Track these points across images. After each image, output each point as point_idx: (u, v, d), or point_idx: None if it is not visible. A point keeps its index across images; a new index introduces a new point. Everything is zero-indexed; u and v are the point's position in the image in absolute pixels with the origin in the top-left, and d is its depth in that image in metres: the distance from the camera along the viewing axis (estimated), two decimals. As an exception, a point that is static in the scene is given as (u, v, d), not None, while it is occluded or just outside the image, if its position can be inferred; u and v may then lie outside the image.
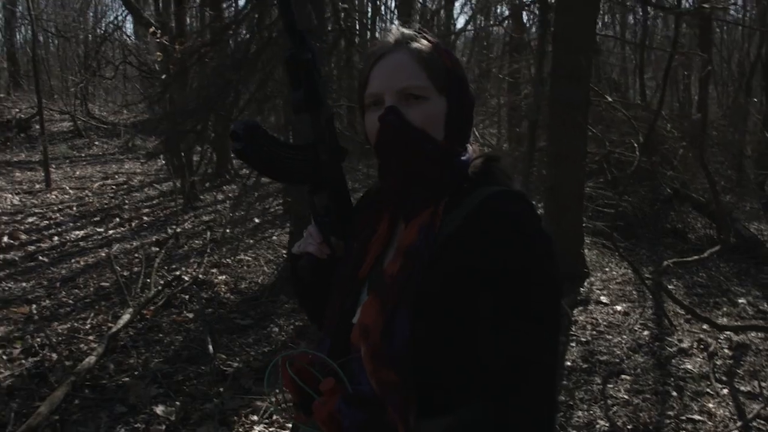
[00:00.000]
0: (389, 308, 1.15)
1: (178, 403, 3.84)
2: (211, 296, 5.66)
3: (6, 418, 3.63)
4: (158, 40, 7.50)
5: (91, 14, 25.41)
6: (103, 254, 6.86)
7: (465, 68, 1.40)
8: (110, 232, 7.86)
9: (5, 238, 7.32)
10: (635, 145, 7.17)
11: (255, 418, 3.74)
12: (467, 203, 1.19)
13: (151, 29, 8.13)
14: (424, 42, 1.26)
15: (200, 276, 6.07)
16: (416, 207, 1.24)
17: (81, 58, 18.99)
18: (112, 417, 3.71)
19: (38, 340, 4.65)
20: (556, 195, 6.46)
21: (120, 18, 24.55)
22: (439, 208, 1.21)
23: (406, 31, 1.29)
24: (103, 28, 22.59)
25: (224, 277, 6.20)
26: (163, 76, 8.13)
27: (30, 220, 8.31)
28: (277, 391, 1.27)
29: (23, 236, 7.49)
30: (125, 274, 6.15)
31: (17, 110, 17.88)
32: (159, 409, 3.76)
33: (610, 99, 7.04)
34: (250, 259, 6.82)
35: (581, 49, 6.08)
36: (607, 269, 6.89)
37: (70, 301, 5.54)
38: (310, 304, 1.50)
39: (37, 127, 16.65)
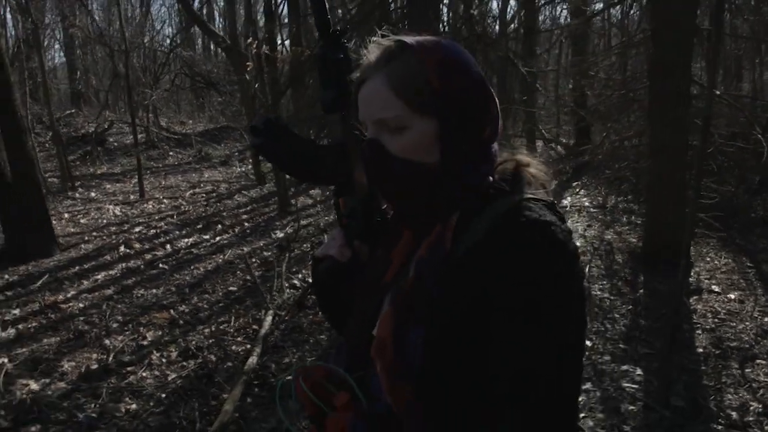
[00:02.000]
0: (402, 323, 1.12)
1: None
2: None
3: (191, 416, 3.89)
4: (255, 51, 7.76)
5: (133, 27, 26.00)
6: (219, 260, 7.16)
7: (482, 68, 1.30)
8: (217, 238, 8.18)
9: (122, 248, 7.67)
10: (760, 136, 7.15)
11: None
12: (486, 215, 1.13)
13: (249, 40, 8.39)
14: (405, 58, 1.17)
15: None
16: (423, 226, 1.20)
17: (148, 72, 19.42)
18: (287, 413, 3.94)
19: (193, 343, 4.93)
20: (657, 187, 6.58)
21: (177, 32, 24.94)
22: (448, 224, 1.16)
23: (385, 45, 1.20)
24: (169, 42, 23.08)
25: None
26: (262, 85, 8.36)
27: (137, 229, 8.67)
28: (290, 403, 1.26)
29: (137, 245, 7.82)
30: (247, 278, 6.43)
31: (88, 124, 18.49)
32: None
33: (717, 92, 7.08)
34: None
35: (680, 43, 6.17)
36: (708, 259, 6.95)
37: (205, 306, 5.82)
38: (330, 309, 1.44)
39: (110, 140, 17.26)
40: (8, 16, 20.60)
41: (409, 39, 1.19)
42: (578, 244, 7.26)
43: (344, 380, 1.18)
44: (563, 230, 1.09)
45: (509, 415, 1.05)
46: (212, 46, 27.61)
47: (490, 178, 1.21)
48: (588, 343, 4.90)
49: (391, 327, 1.12)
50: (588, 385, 4.25)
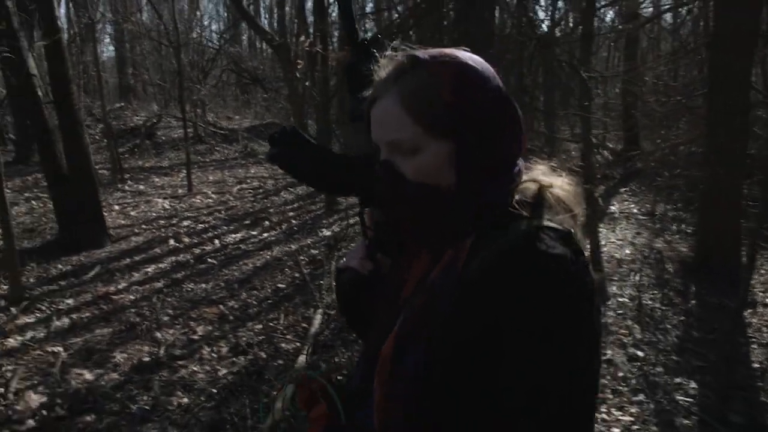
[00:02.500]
0: (403, 342, 1.08)
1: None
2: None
3: (242, 413, 3.92)
4: (308, 49, 7.80)
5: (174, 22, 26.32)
6: (267, 257, 7.22)
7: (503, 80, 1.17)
8: (264, 235, 8.24)
9: (171, 241, 7.77)
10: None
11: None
12: (502, 240, 1.05)
13: (302, 38, 8.44)
14: (417, 73, 1.10)
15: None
16: (436, 249, 1.15)
17: (196, 67, 19.64)
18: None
19: (243, 339, 4.96)
20: (712, 196, 6.46)
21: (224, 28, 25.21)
22: (462, 247, 1.10)
23: (397, 60, 1.14)
24: (218, 38, 23.34)
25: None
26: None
27: (185, 223, 8.77)
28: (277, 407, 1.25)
29: (186, 239, 7.92)
30: (296, 275, 6.46)
31: (137, 117, 18.79)
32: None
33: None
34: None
35: (740, 52, 6.05)
36: (762, 271, 6.80)
37: (254, 302, 5.87)
38: (352, 318, 1.42)
39: (158, 133, 17.52)
40: (62, 11, 21.05)
41: (422, 53, 1.12)
42: (627, 252, 7.22)
43: (338, 391, 1.18)
44: (576, 263, 1.02)
45: None
46: (258, 43, 27.91)
47: (511, 199, 1.11)
48: (639, 353, 4.84)
49: (394, 346, 1.09)
50: (641, 397, 4.19)
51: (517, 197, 1.10)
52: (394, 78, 1.11)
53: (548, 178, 1.16)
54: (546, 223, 1.06)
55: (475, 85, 1.09)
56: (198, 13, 24.87)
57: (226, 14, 26.73)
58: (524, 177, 1.16)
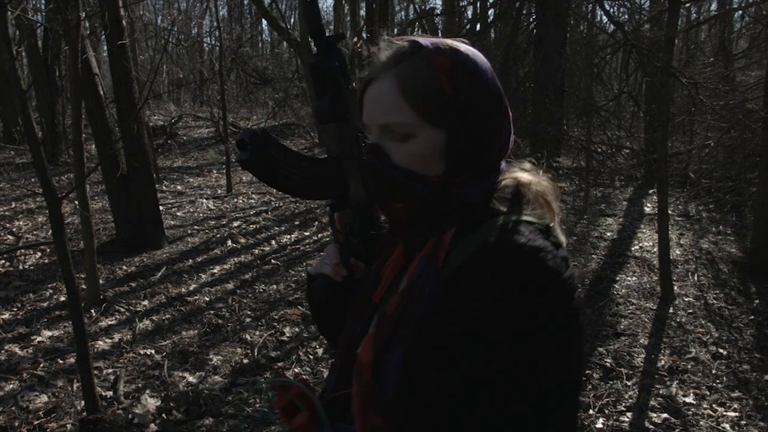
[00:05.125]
0: (382, 346, 1.04)
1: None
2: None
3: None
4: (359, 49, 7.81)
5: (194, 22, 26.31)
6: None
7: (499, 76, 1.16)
8: (319, 235, 8.24)
9: (228, 242, 7.79)
10: None
11: (591, 412, 3.99)
12: (479, 235, 1.05)
13: (355, 39, 8.45)
14: (418, 60, 1.09)
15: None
16: (416, 239, 1.13)
17: (212, 67, 19.64)
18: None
19: (337, 340, 4.98)
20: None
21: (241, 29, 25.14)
22: (444, 238, 1.09)
23: (398, 44, 1.13)
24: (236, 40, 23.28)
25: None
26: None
27: (236, 224, 8.77)
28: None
29: (242, 240, 7.94)
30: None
31: (155, 117, 18.81)
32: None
33: None
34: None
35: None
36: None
37: (332, 303, 5.87)
38: (325, 326, 1.39)
39: (179, 133, 17.53)
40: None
41: (424, 40, 1.11)
42: (678, 253, 7.28)
43: (317, 399, 1.14)
44: (555, 257, 1.00)
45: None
46: (261, 43, 27.84)
47: (491, 196, 1.12)
48: (722, 351, 4.91)
49: (372, 350, 1.05)
50: (738, 393, 4.26)
51: (496, 194, 1.12)
52: (393, 61, 1.10)
53: (527, 174, 1.17)
54: (524, 217, 1.07)
55: (474, 78, 1.09)
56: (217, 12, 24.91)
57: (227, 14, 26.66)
58: (505, 174, 1.16)
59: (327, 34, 1.20)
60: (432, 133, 1.08)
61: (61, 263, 3.55)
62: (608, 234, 8.34)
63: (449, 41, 1.12)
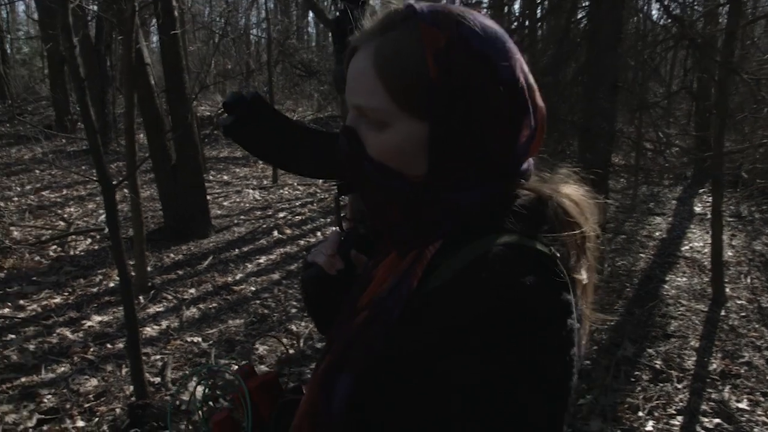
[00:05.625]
0: (335, 367, 0.91)
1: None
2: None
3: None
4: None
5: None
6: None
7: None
8: (364, 228, 8.24)
9: (274, 233, 7.84)
10: None
11: (641, 414, 3.92)
12: (466, 254, 0.86)
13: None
14: (405, 32, 0.87)
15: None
16: (403, 246, 0.95)
17: (258, 59, 19.79)
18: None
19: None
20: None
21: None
22: (425, 253, 0.90)
23: (391, 8, 0.91)
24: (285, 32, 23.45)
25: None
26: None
27: (281, 215, 8.82)
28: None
29: (287, 230, 7.98)
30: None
31: (202, 108, 18.98)
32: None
33: None
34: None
35: None
36: None
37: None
38: (318, 320, 1.23)
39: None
40: None
41: (423, 5, 0.88)
42: (729, 254, 7.10)
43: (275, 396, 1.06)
44: (546, 301, 0.81)
45: None
46: (306, 35, 27.93)
47: (497, 206, 0.91)
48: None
49: (325, 370, 0.93)
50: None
51: (504, 205, 0.90)
52: (379, 29, 0.90)
53: (553, 185, 0.95)
54: (525, 241, 0.86)
55: (477, 62, 0.86)
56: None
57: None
58: (525, 183, 0.95)
59: None
60: (411, 124, 0.87)
61: (114, 249, 3.59)
62: (657, 233, 8.19)
63: (457, 9, 0.89)
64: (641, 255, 7.24)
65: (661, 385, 4.28)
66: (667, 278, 6.42)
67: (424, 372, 0.82)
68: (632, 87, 5.88)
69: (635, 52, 5.86)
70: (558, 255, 0.86)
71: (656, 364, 4.55)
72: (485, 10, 11.66)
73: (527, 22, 7.83)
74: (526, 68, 0.92)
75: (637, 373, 4.43)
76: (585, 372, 4.38)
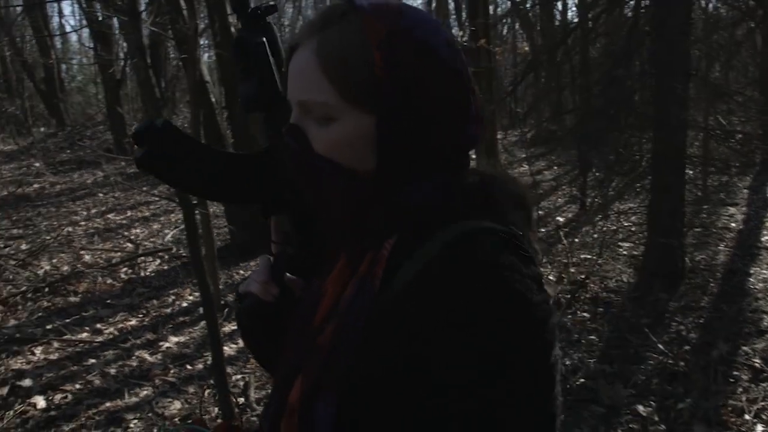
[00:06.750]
0: (312, 386, 0.87)
1: (653, 402, 3.90)
2: (592, 295, 5.71)
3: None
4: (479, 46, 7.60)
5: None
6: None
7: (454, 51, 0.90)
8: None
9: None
10: None
11: (747, 417, 3.72)
12: (429, 247, 0.84)
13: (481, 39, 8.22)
14: (347, 25, 0.87)
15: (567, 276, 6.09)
16: (354, 250, 0.92)
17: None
18: (594, 417, 3.81)
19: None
20: None
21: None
22: (380, 255, 0.88)
23: (333, 4, 0.92)
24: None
25: (587, 275, 6.16)
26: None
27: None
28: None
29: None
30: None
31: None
32: (641, 409, 3.83)
33: None
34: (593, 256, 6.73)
35: None
36: None
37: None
38: (260, 356, 1.16)
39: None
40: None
41: (364, 1, 0.88)
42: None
43: None
44: (523, 276, 0.81)
45: None
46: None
47: (448, 196, 0.90)
48: None
49: (300, 391, 0.88)
50: None
51: (458, 194, 0.90)
52: (320, 25, 0.89)
53: (499, 171, 1.00)
54: (489, 224, 0.86)
55: (420, 52, 0.86)
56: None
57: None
58: (471, 171, 0.95)
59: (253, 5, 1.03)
60: (358, 117, 0.87)
61: (195, 269, 3.56)
62: (733, 224, 7.90)
63: (395, 3, 0.90)
64: (720, 248, 6.96)
65: (764, 385, 4.07)
66: (752, 271, 6.14)
67: (411, 373, 0.81)
68: (706, 75, 5.66)
69: (710, 38, 5.65)
70: (520, 233, 0.88)
71: (755, 362, 4.34)
72: (538, 4, 11.50)
73: (584, 16, 7.64)
74: (464, 57, 0.91)
75: (735, 373, 4.23)
76: (681, 374, 4.20)
